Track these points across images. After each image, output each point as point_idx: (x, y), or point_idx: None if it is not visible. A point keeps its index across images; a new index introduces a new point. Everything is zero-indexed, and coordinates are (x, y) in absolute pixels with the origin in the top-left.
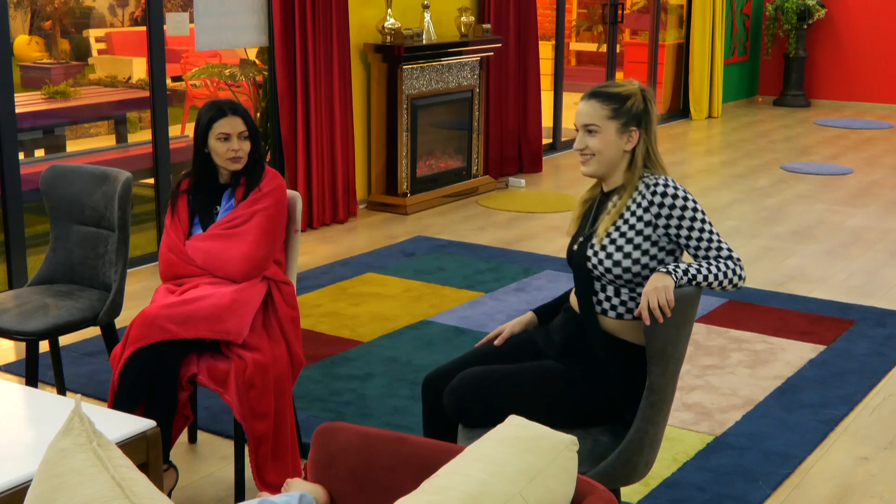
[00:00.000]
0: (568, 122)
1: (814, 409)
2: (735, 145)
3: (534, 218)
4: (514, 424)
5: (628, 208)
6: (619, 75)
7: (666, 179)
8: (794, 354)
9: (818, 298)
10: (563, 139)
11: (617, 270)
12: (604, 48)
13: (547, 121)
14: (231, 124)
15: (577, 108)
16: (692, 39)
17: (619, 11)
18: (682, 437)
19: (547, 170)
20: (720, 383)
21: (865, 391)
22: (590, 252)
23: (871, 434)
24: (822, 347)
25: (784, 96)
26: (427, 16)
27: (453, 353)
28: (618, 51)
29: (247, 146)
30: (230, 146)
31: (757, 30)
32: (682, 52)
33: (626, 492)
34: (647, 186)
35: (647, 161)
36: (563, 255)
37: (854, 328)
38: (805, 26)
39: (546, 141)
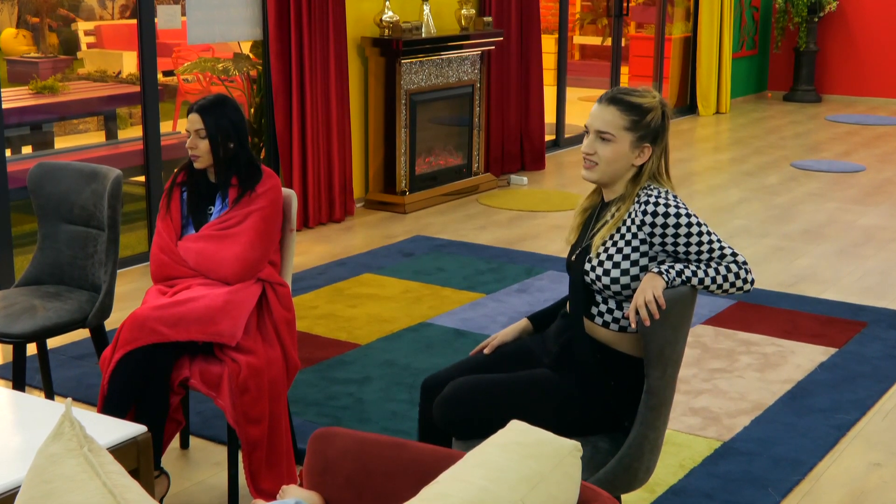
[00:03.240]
0: (571, 119)
1: (825, 414)
2: (744, 142)
3: (536, 217)
4: (516, 430)
5: (624, 222)
6: (623, 70)
7: (658, 194)
8: (805, 357)
9: (829, 300)
10: (566, 136)
11: (615, 287)
12: (608, 42)
13: (550, 117)
14: (190, 121)
15: (592, 110)
16: (700, 33)
17: (625, 4)
18: (688, 443)
19: (550, 167)
20: (728, 387)
21: (878, 395)
22: (587, 266)
23: (884, 440)
24: (833, 350)
25: (794, 91)
26: (426, 8)
27: (453, 356)
28: (623, 45)
29: (203, 144)
30: (188, 143)
31: (766, 23)
32: (690, 46)
33: (632, 499)
34: (640, 204)
35: (653, 177)
36: (567, 255)
37: (866, 330)
38: (816, 19)
39: (549, 137)
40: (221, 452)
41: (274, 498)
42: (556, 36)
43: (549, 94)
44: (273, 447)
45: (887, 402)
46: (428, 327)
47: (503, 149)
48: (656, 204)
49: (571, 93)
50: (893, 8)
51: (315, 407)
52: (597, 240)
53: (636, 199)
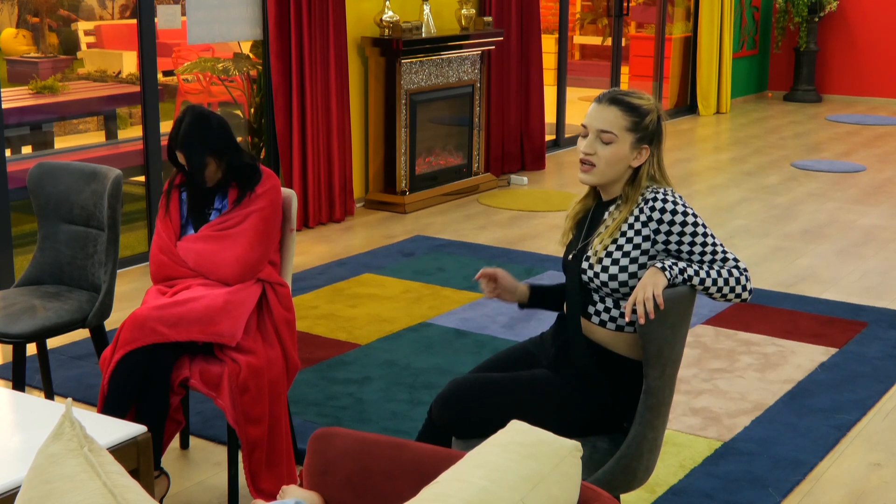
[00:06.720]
0: (572, 118)
1: (825, 414)
2: (744, 142)
3: (536, 217)
4: (516, 430)
5: (626, 221)
6: (624, 70)
7: (665, 193)
8: (805, 357)
9: (829, 300)
10: (566, 136)
11: (613, 284)
12: (609, 42)
13: (550, 117)
14: (181, 157)
15: (589, 111)
16: (700, 33)
17: (625, 4)
18: (689, 443)
19: (550, 167)
20: (729, 387)
21: (878, 395)
22: (585, 265)
23: (885, 440)
24: (833, 350)
25: (794, 91)
26: (426, 8)
27: (453, 356)
28: (623, 44)
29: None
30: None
31: (767, 23)
32: (690, 46)
33: (633, 499)
34: (646, 200)
35: (651, 178)
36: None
37: (867, 330)
38: (816, 19)
39: (549, 137)
40: (221, 452)
41: (274, 498)
42: (557, 36)
43: (550, 93)
44: (273, 447)
45: (887, 402)
46: (428, 327)
47: (503, 149)
48: (664, 201)
49: (571, 93)
50: (893, 8)
51: (315, 407)
52: (597, 241)
53: (639, 198)
